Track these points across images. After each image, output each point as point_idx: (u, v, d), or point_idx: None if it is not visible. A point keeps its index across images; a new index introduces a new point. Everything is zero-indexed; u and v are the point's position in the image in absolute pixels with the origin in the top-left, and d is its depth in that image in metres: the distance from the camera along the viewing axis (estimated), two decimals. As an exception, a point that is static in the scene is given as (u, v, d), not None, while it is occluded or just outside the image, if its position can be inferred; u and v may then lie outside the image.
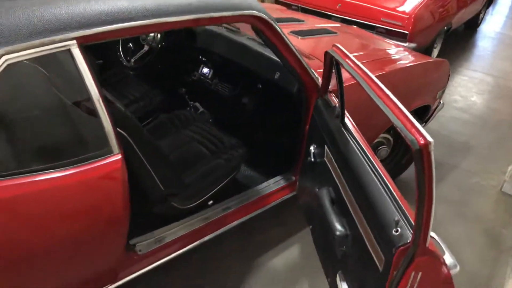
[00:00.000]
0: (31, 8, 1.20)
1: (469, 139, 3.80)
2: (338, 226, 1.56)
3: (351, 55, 1.47)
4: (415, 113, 2.84)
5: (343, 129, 1.74)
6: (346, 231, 1.54)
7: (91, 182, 1.33)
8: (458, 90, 4.80)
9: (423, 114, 3.01)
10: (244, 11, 1.65)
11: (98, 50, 2.76)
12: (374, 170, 1.48)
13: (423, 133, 1.03)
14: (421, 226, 1.12)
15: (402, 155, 2.94)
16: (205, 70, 2.68)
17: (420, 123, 2.97)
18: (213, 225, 2.02)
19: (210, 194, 2.04)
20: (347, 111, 1.79)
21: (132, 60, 2.63)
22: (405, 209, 1.29)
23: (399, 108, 1.15)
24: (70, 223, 1.32)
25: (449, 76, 3.10)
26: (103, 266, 1.57)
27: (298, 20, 3.21)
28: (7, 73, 1.15)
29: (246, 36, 2.49)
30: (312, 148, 1.99)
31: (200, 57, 2.70)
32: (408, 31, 4.09)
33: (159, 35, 2.56)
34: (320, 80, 2.06)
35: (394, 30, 4.16)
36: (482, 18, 7.19)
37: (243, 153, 2.17)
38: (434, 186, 1.05)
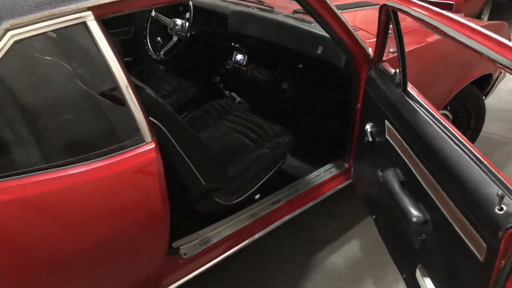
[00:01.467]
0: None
1: (534, 112, 3.41)
2: (414, 211, 1.30)
3: (419, 2, 1.22)
4: (475, 84, 2.52)
5: (407, 98, 1.49)
6: (425, 216, 1.29)
7: (123, 175, 1.15)
8: (513, 61, 4.38)
9: (483, 85, 2.68)
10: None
11: (126, 47, 2.63)
12: (455, 140, 1.22)
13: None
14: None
15: (463, 133, 2.63)
16: (239, 56, 2.48)
17: (481, 95, 2.66)
18: (262, 221, 1.81)
19: (256, 187, 1.84)
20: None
21: (162, 52, 2.47)
22: (506, 182, 1.03)
23: (508, 45, 0.89)
24: (102, 222, 1.14)
25: (510, 40, 2.76)
26: (143, 272, 1.38)
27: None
28: (15, 53, 0.98)
29: (282, 14, 2.27)
30: (368, 127, 1.74)
31: (232, 44, 2.50)
32: (453, 0, 3.75)
33: (187, 24, 2.38)
34: (370, 50, 1.82)
35: (438, 2, 3.83)
36: (528, -14, 6.65)
37: (289, 140, 1.95)
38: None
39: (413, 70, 2.04)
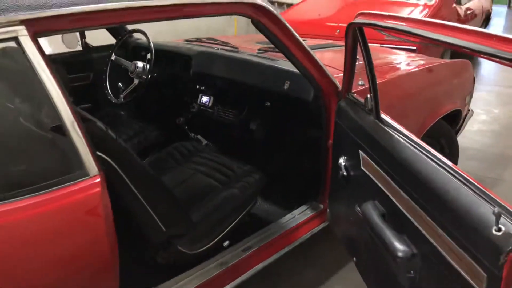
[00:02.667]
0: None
1: (504, 150, 3.43)
2: (399, 245, 1.16)
3: (389, 13, 1.15)
4: (446, 120, 2.49)
5: (381, 125, 1.39)
6: (412, 249, 1.15)
7: (59, 213, 0.97)
8: (478, 104, 4.47)
9: (453, 122, 2.65)
10: (244, -1, 1.37)
11: (86, 93, 2.50)
12: (437, 161, 1.11)
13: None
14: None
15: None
16: (205, 98, 2.38)
17: (453, 131, 2.63)
18: (232, 271, 1.62)
19: (224, 232, 1.67)
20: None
21: (122, 95, 2.34)
22: (498, 200, 0.91)
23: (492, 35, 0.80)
24: (32, 271, 0.94)
25: (474, 79, 2.79)
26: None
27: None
28: None
29: (246, 53, 2.22)
30: (342, 161, 1.63)
31: (197, 86, 2.41)
32: (415, 46, 3.85)
33: (148, 66, 2.28)
34: (338, 83, 1.76)
35: (401, 48, 3.93)
36: (482, 37, 7.05)
37: (260, 178, 1.81)
38: None
39: (381, 106, 1.99)
